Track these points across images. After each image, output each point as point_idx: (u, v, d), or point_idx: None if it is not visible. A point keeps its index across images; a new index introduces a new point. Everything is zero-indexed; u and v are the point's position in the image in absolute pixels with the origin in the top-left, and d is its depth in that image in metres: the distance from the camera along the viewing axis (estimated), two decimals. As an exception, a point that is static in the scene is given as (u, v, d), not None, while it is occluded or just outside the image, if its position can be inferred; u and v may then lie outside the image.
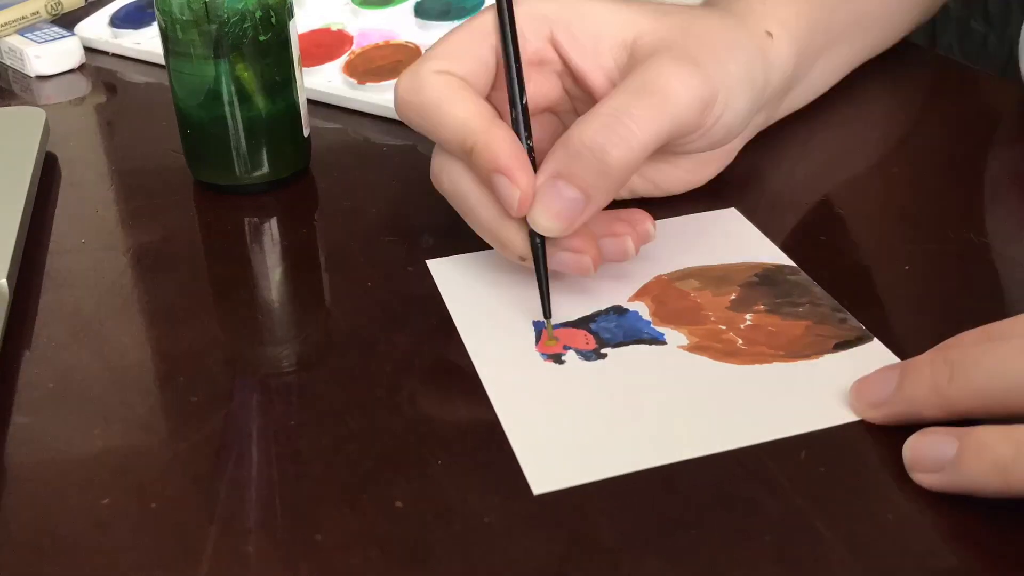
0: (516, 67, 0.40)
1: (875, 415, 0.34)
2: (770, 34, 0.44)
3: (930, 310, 0.40)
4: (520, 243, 0.39)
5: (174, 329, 0.40)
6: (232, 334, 0.40)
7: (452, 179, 0.40)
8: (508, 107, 0.40)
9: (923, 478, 0.31)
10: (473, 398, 0.36)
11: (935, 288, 0.41)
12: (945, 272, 0.42)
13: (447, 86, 0.39)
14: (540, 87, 0.42)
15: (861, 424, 0.34)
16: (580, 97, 0.43)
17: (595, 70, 0.41)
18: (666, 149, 0.41)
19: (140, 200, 0.50)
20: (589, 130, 0.37)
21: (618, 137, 0.37)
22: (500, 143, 0.38)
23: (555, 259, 0.39)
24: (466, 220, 0.41)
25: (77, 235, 0.47)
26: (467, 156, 0.38)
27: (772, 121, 0.50)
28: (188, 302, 0.42)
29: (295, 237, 0.47)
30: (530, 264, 0.39)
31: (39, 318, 0.41)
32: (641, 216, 0.40)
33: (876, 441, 0.33)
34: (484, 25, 0.40)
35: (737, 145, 0.47)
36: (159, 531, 0.31)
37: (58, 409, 0.36)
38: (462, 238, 0.42)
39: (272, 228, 0.48)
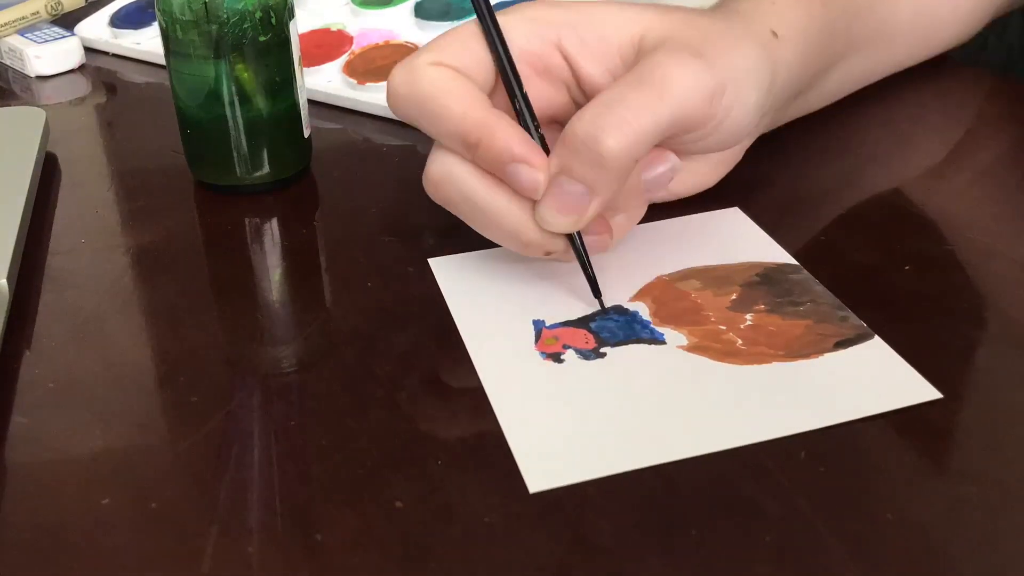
0: (507, 57, 0.39)
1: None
2: (775, 34, 0.43)
3: (930, 310, 0.40)
4: (549, 238, 0.38)
5: (174, 329, 0.40)
6: (232, 334, 0.40)
7: (459, 183, 0.39)
8: (511, 107, 0.39)
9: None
10: (473, 398, 0.36)
11: (935, 288, 0.41)
12: (945, 272, 0.42)
13: (444, 77, 0.38)
14: (544, 94, 0.42)
15: (861, 424, 0.34)
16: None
17: (603, 73, 0.41)
18: (679, 148, 0.41)
19: (140, 200, 0.50)
20: (583, 121, 0.36)
21: (611, 126, 0.36)
22: (507, 129, 0.37)
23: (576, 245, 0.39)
24: (478, 226, 0.40)
25: (77, 235, 0.47)
26: (472, 150, 0.37)
27: (778, 124, 0.50)
28: (188, 302, 0.42)
29: (295, 237, 0.47)
30: (557, 258, 0.39)
31: (39, 318, 0.41)
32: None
33: (876, 441, 0.33)
34: (477, 26, 0.40)
35: (744, 146, 0.47)
36: (159, 531, 0.31)
37: (58, 409, 0.36)
38: (462, 238, 0.42)
39: (272, 228, 0.48)
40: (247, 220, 0.48)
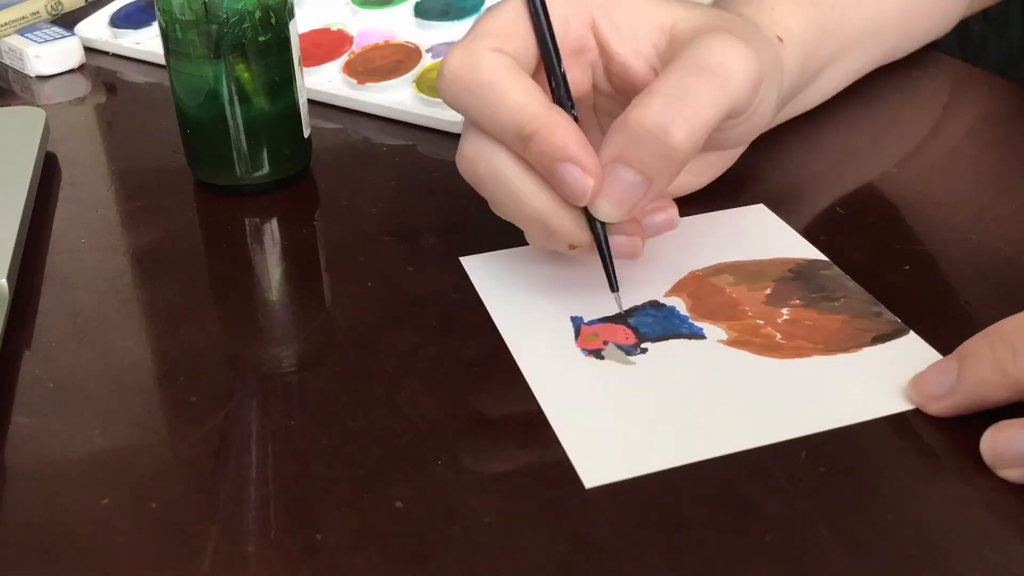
0: (551, 36, 0.38)
1: (939, 406, 0.34)
2: (780, 40, 0.44)
3: (930, 311, 0.40)
4: (576, 230, 0.38)
5: (174, 329, 0.40)
6: (232, 334, 0.40)
7: (493, 165, 0.38)
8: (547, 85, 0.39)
9: (1009, 474, 0.31)
10: (473, 398, 0.36)
11: (935, 288, 0.41)
12: (945, 272, 0.42)
13: (504, 66, 0.37)
14: (570, 75, 0.40)
15: (861, 424, 0.34)
16: (608, 92, 0.42)
17: (634, 55, 0.40)
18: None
19: (140, 200, 0.50)
20: (651, 112, 0.35)
21: (681, 118, 0.35)
22: (565, 128, 0.36)
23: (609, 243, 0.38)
24: (502, 209, 0.39)
25: (77, 235, 0.47)
26: (524, 142, 0.36)
27: (773, 125, 0.50)
28: (188, 302, 0.42)
29: (295, 237, 0.47)
30: (580, 252, 0.39)
31: (39, 318, 0.41)
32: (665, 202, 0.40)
33: (877, 441, 0.33)
34: (522, 4, 0.39)
35: (742, 149, 0.46)
36: (159, 531, 0.31)
37: (58, 409, 0.36)
38: (463, 237, 0.42)
39: (272, 228, 0.48)
40: (247, 220, 0.48)
